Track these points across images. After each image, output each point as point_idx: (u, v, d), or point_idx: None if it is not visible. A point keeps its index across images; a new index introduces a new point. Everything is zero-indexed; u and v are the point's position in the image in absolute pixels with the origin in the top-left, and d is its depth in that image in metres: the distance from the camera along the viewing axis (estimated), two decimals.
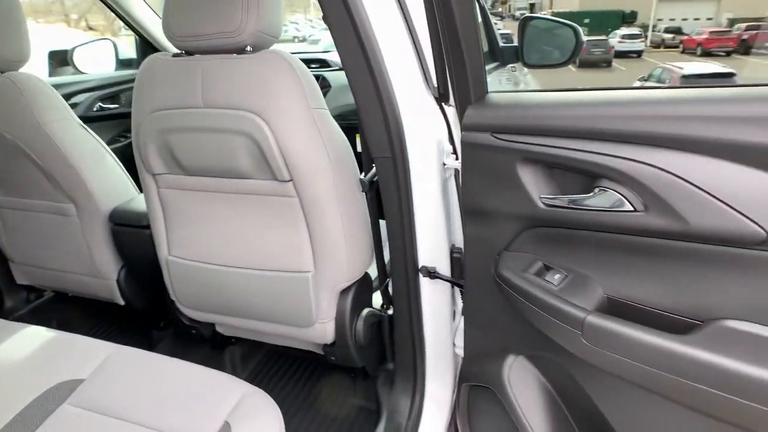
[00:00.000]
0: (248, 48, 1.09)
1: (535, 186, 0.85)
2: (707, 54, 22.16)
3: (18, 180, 1.57)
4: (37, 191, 1.57)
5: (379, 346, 1.48)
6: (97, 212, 1.54)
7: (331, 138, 1.14)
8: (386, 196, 1.14)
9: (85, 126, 1.52)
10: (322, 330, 1.31)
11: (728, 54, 21.70)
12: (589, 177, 0.79)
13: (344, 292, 1.30)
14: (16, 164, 1.51)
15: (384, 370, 1.51)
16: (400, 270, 1.22)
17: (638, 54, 23.38)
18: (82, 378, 1.06)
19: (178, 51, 1.17)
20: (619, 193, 0.74)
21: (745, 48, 21.30)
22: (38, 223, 1.65)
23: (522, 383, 1.02)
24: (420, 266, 1.20)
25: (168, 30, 1.12)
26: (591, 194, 0.78)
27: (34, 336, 1.23)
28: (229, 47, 1.10)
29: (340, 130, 1.19)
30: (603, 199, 0.76)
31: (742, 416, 0.68)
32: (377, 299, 1.47)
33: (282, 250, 1.24)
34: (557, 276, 0.87)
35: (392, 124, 1.04)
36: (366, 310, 1.36)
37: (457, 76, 0.90)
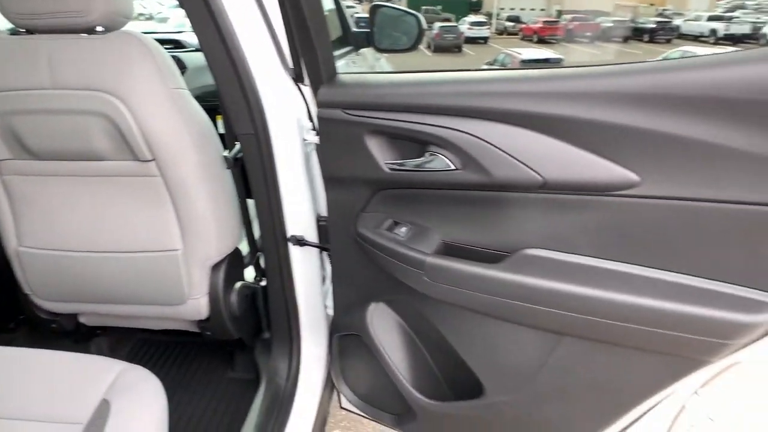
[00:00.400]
0: (99, 28, 1.09)
1: (380, 154, 0.99)
2: (542, 41, 24.77)
3: None
4: None
5: (254, 317, 1.55)
6: None
7: (192, 117, 1.17)
8: (252, 172, 1.21)
9: None
10: (195, 306, 1.35)
11: (558, 42, 24.47)
12: (423, 144, 0.95)
13: (216, 267, 1.35)
14: None
15: (261, 340, 1.59)
16: (270, 241, 1.30)
17: (485, 40, 25.37)
18: None
19: (18, 29, 1.11)
20: (444, 156, 0.91)
21: (570, 37, 24.18)
22: None
23: (382, 325, 1.18)
24: (289, 236, 1.30)
25: (4, 6, 1.07)
26: (424, 158, 0.94)
27: None
28: (78, 27, 1.08)
29: (201, 109, 1.23)
30: (435, 162, 0.93)
31: (544, 320, 0.89)
32: (249, 274, 1.54)
33: (148, 230, 1.25)
34: (404, 229, 1.03)
35: (252, 102, 1.11)
36: (239, 283, 1.42)
37: (308, 58, 1.01)
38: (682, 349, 0.80)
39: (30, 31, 1.11)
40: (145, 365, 1.58)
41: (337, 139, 1.02)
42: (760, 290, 0.74)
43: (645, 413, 1.05)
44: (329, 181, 1.09)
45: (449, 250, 1.00)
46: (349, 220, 1.12)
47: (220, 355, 1.69)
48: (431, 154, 0.93)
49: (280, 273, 1.36)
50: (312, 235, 1.30)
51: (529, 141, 0.82)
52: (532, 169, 0.82)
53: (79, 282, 1.33)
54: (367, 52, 2.30)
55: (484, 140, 0.85)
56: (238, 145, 1.22)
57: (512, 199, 0.89)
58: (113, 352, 1.68)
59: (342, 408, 1.53)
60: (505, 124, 0.84)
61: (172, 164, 1.16)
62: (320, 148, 1.06)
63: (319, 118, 1.02)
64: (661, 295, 0.79)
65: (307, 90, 1.18)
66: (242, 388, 1.61)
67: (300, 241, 1.30)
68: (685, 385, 1.01)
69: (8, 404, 0.94)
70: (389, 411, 1.35)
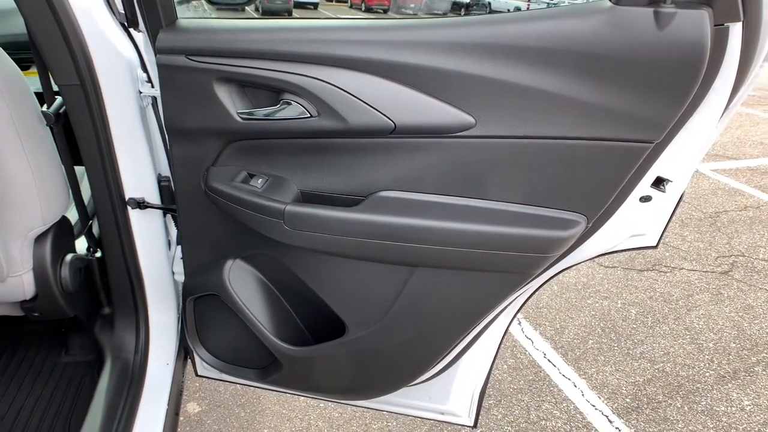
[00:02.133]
0: None
1: (231, 103, 0.96)
2: (369, 10, 25.32)
3: None
4: None
5: (90, 292, 1.41)
6: None
7: None
8: (79, 128, 1.08)
9: None
10: (18, 284, 1.19)
11: (385, 11, 25.25)
12: (276, 92, 0.95)
13: (40, 238, 1.20)
14: None
15: (101, 317, 1.46)
16: (105, 206, 1.19)
17: (315, 6, 25.09)
18: None
19: None
20: (299, 104, 0.92)
21: (396, 7, 25.11)
22: None
23: (241, 282, 1.17)
24: (127, 198, 1.20)
25: None
26: (278, 107, 0.94)
27: None
28: None
29: (6, 56, 1.06)
30: (289, 110, 0.93)
31: (398, 255, 0.98)
32: (81, 245, 1.39)
33: None
34: (260, 181, 1.02)
35: (77, 49, 0.99)
36: (70, 255, 1.28)
37: (145, 1, 0.93)
38: (512, 265, 0.95)
39: None
40: None
41: (181, 87, 0.97)
42: (570, 211, 0.90)
43: (485, 327, 1.22)
44: (174, 134, 1.03)
45: (307, 198, 1.03)
46: (198, 176, 1.08)
47: (49, 339, 1.51)
48: (285, 102, 0.93)
49: (119, 240, 1.25)
50: (153, 197, 1.22)
51: (381, 88, 0.87)
52: (384, 114, 0.88)
53: None
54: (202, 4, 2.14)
55: (338, 87, 0.88)
56: (59, 100, 1.08)
57: (365, 145, 0.94)
58: None
59: (198, 376, 1.49)
60: (358, 72, 0.88)
61: None
62: (162, 99, 0.99)
63: (159, 65, 0.95)
64: (495, 221, 0.92)
65: (140, 37, 1.09)
66: (81, 371, 1.47)
67: (141, 204, 1.21)
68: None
69: None
70: (253, 367, 1.35)
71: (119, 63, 1.05)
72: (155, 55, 0.95)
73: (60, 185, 1.19)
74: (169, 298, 1.40)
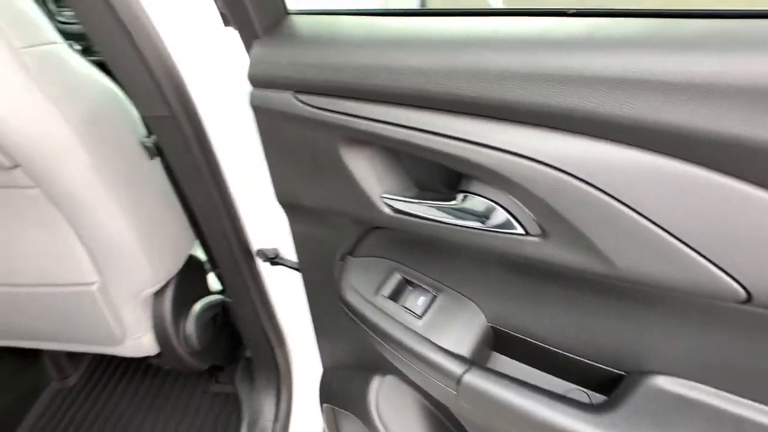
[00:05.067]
0: None
1: (373, 179, 0.53)
2: None
3: None
4: None
5: (229, 335, 1.19)
6: None
7: (70, 90, 0.72)
8: (177, 165, 0.77)
9: None
10: (137, 346, 0.99)
11: None
12: (458, 171, 0.48)
13: (160, 293, 0.96)
14: None
15: (243, 359, 1.24)
16: (226, 255, 0.89)
17: None
18: None
19: None
20: (500, 205, 0.45)
21: None
22: None
23: (394, 409, 0.78)
24: (256, 250, 0.89)
25: None
26: (455, 202, 0.48)
27: None
28: None
29: (95, 72, 0.77)
30: (476, 211, 0.47)
31: None
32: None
33: (46, 259, 0.85)
34: (422, 300, 0.59)
35: (157, 70, 0.65)
36: (198, 306, 1.03)
37: None
38: None
39: None
40: (106, 381, 1.26)
41: (289, 145, 0.56)
42: None
43: None
44: (288, 207, 0.65)
45: (503, 342, 0.57)
46: (329, 264, 0.69)
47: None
48: (467, 196, 0.47)
49: (248, 294, 0.96)
50: (289, 248, 0.88)
51: (728, 206, 0.35)
52: (727, 273, 0.36)
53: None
54: None
55: (603, 191, 0.38)
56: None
57: (636, 293, 0.44)
58: (67, 369, 1.36)
59: None
60: (664, 156, 0.36)
61: (44, 170, 0.73)
62: (265, 156, 0.60)
63: (254, 107, 0.55)
64: None
65: None
66: (230, 406, 1.29)
67: (273, 259, 0.88)
68: None
69: None
70: None
71: (225, 77, 0.68)
72: (252, 88, 0.55)
73: (176, 228, 0.93)
74: (316, 361, 1.11)
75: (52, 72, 0.70)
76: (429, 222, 0.50)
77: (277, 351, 1.07)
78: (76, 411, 1.29)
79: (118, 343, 0.97)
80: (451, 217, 0.48)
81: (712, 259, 0.36)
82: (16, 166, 0.72)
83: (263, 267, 0.93)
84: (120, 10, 0.59)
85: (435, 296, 0.59)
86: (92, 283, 0.87)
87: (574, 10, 0.43)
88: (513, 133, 0.41)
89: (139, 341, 0.97)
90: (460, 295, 0.59)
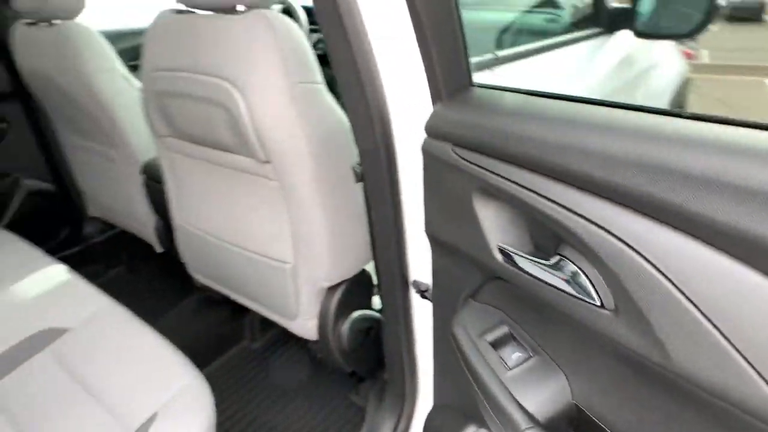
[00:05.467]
0: (239, 7, 0.97)
1: (495, 228, 0.62)
2: None
3: (78, 122, 1.65)
4: (90, 134, 1.64)
5: (376, 352, 1.34)
6: (133, 162, 1.57)
7: (317, 118, 0.98)
8: (370, 191, 0.97)
9: (130, 77, 1.53)
10: (304, 326, 1.21)
11: None
12: (558, 235, 0.55)
13: (332, 289, 1.17)
14: (72, 109, 1.58)
15: (382, 379, 1.37)
16: (386, 280, 1.05)
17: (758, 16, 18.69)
18: (66, 328, 1.08)
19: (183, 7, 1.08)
20: (585, 274, 0.50)
21: None
22: (95, 163, 1.74)
23: None
24: (412, 280, 1.02)
25: None
26: (549, 261, 0.54)
27: (52, 276, 1.29)
28: (220, 4, 0.98)
29: (336, 108, 1.03)
30: (563, 273, 0.52)
31: None
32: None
33: (263, 234, 1.13)
34: (516, 355, 0.64)
35: (373, 109, 0.84)
36: (356, 314, 1.21)
37: (425, 56, 0.68)
38: None
39: (189, 10, 1.06)
40: (277, 357, 1.52)
41: (442, 187, 0.69)
42: None
43: None
44: (432, 239, 0.77)
45: (584, 424, 0.58)
46: (454, 303, 0.78)
47: (342, 375, 1.53)
48: (563, 259, 0.53)
49: (396, 319, 1.09)
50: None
51: None
52: None
53: (214, 265, 1.32)
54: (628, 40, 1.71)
55: (674, 283, 0.41)
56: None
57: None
58: (256, 332, 1.68)
59: None
60: (736, 261, 0.38)
61: (286, 169, 1.00)
62: (424, 193, 0.74)
63: (423, 151, 0.70)
64: None
65: None
66: (357, 416, 1.43)
67: (424, 293, 1.00)
68: None
69: (98, 380, 0.97)
70: None
71: (412, 131, 0.86)
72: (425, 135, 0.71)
73: (359, 243, 1.12)
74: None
75: (310, 103, 0.97)
76: (527, 276, 0.57)
77: (408, 380, 1.17)
78: (249, 370, 1.59)
79: (291, 319, 1.20)
80: (545, 274, 0.54)
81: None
82: (267, 162, 1.01)
83: (414, 297, 1.06)
84: (357, 51, 0.79)
85: (530, 356, 0.64)
86: (287, 263, 1.12)
87: (689, 114, 0.47)
88: (608, 210, 0.47)
89: (305, 323, 1.19)
90: (553, 363, 0.62)
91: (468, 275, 0.75)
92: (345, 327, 1.19)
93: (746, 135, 0.42)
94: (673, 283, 0.41)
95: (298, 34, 0.95)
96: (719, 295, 0.38)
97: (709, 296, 0.38)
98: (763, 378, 0.36)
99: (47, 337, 1.08)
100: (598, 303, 0.49)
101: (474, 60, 0.74)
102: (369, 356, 1.32)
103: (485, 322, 0.69)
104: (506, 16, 1.82)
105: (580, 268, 0.50)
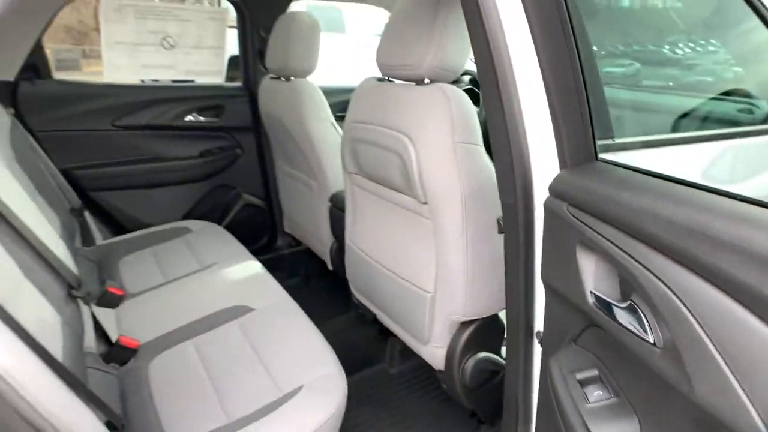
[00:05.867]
0: (426, 80, 1.20)
1: (591, 276, 0.71)
2: None
3: (291, 155, 2.08)
4: (298, 164, 2.05)
5: (498, 396, 1.41)
6: (325, 192, 1.91)
7: (471, 173, 1.15)
8: (507, 242, 1.09)
9: (336, 125, 1.90)
10: (433, 353, 1.35)
11: None
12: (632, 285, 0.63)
13: (465, 325, 1.30)
14: (290, 144, 2.00)
15: (492, 426, 1.43)
16: (512, 327, 1.15)
17: None
18: (253, 308, 1.40)
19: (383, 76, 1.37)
20: (643, 314, 0.58)
21: None
22: (297, 188, 2.15)
23: None
24: (536, 330, 1.11)
25: (377, 58, 1.33)
26: (623, 305, 0.62)
27: (250, 268, 1.66)
28: (412, 77, 1.23)
29: (490, 166, 1.19)
30: (632, 316, 0.60)
31: None
32: None
33: (413, 264, 1.32)
34: (598, 393, 0.72)
35: (517, 168, 0.98)
36: (483, 354, 1.32)
37: (555, 131, 0.82)
38: None
39: (388, 78, 1.34)
40: (407, 386, 1.68)
41: (554, 238, 0.80)
42: None
43: None
44: (547, 286, 0.87)
45: None
46: (560, 344, 0.87)
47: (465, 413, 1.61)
48: (631, 304, 0.61)
49: (516, 365, 1.18)
50: None
51: None
52: None
53: (371, 284, 1.55)
54: None
55: (711, 339, 0.49)
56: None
57: None
58: (391, 359, 1.85)
59: None
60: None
61: (438, 211, 1.19)
62: (542, 244, 0.86)
63: (545, 207, 0.82)
64: None
65: None
66: None
67: (541, 341, 1.09)
68: None
69: (266, 352, 1.23)
70: None
71: (541, 191, 0.97)
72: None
73: (495, 289, 1.25)
74: None
75: (467, 159, 1.15)
76: (608, 317, 0.66)
77: (521, 428, 1.23)
78: (382, 390, 1.76)
79: (423, 344, 1.36)
80: (621, 315, 0.63)
81: None
82: (425, 203, 1.21)
83: (536, 347, 1.14)
84: (509, 119, 0.92)
85: (610, 397, 0.71)
86: (428, 292, 1.29)
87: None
88: (668, 266, 0.55)
89: (435, 350, 1.34)
90: (630, 405, 0.69)
91: (572, 321, 0.83)
92: (470, 363, 1.31)
93: None
94: (703, 329, 0.48)
95: (467, 104, 1.15)
96: (739, 343, 0.45)
97: (730, 342, 0.45)
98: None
99: (238, 311, 1.40)
100: (651, 341, 0.56)
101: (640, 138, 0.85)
102: (490, 399, 1.40)
103: (579, 363, 0.77)
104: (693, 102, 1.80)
105: (643, 313, 0.58)
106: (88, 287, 1.27)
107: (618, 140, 0.85)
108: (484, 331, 1.30)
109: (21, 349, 0.69)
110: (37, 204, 1.36)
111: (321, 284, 2.34)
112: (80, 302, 1.22)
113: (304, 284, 2.38)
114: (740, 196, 0.58)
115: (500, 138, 0.96)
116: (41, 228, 1.23)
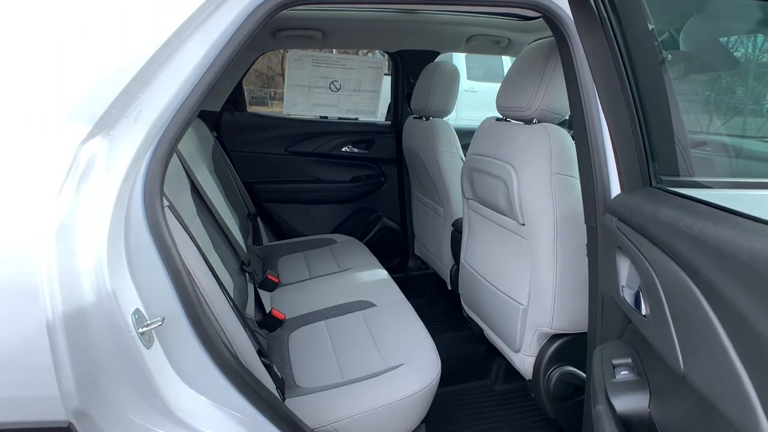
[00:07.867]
0: (534, 120, 1.41)
1: (623, 273, 0.86)
2: None
3: (424, 184, 2.38)
4: (430, 193, 2.33)
5: (580, 410, 1.49)
6: (450, 218, 2.16)
7: (565, 201, 1.32)
8: (589, 263, 1.23)
9: (463, 158, 2.15)
10: (523, 361, 1.49)
11: None
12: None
13: (554, 338, 1.43)
14: (424, 174, 2.30)
15: None
16: (592, 345, 1.27)
17: None
18: (375, 304, 1.70)
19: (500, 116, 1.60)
20: (644, 295, 0.72)
21: None
22: (427, 214, 2.43)
23: None
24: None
25: (496, 101, 1.57)
26: (634, 290, 0.76)
27: (379, 275, 1.96)
28: (523, 117, 1.45)
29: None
30: (639, 299, 0.75)
31: None
32: None
33: (510, 278, 1.50)
34: (624, 373, 0.85)
35: (598, 191, 1.12)
36: (569, 367, 1.43)
37: (617, 161, 0.97)
38: None
39: (504, 118, 1.57)
40: (494, 408, 1.81)
41: (605, 248, 0.95)
42: None
43: None
44: (603, 294, 1.01)
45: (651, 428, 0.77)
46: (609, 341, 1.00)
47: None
48: (638, 291, 0.76)
49: (588, 384, 1.29)
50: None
51: None
52: None
53: (475, 296, 1.74)
54: None
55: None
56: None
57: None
58: (497, 377, 1.98)
59: None
60: None
61: (533, 233, 1.37)
62: (599, 257, 1.00)
63: (602, 223, 0.98)
64: None
65: None
66: None
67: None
68: None
69: (383, 336, 1.50)
70: None
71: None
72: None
73: (577, 307, 1.37)
74: None
75: (562, 189, 1.32)
76: (627, 303, 0.81)
77: None
78: (483, 403, 1.89)
79: (515, 351, 1.51)
80: (634, 300, 0.78)
81: None
82: (523, 225, 1.40)
83: None
84: (593, 150, 1.08)
85: (636, 379, 0.84)
86: (522, 305, 1.45)
87: None
88: (663, 260, 0.71)
89: (525, 358, 1.48)
90: (647, 385, 0.81)
91: (619, 320, 0.96)
92: (555, 374, 1.43)
93: None
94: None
95: (567, 141, 1.33)
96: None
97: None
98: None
99: (362, 305, 1.70)
100: (643, 313, 0.70)
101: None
102: (574, 412, 1.50)
103: (618, 352, 0.90)
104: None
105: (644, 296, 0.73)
106: (255, 270, 1.68)
107: (683, 177, 0.95)
108: (572, 347, 1.42)
109: (214, 284, 1.05)
110: (225, 204, 1.83)
111: (441, 305, 2.57)
112: (247, 277, 1.62)
113: (427, 305, 2.63)
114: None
115: (586, 170, 1.14)
116: (227, 220, 1.67)
